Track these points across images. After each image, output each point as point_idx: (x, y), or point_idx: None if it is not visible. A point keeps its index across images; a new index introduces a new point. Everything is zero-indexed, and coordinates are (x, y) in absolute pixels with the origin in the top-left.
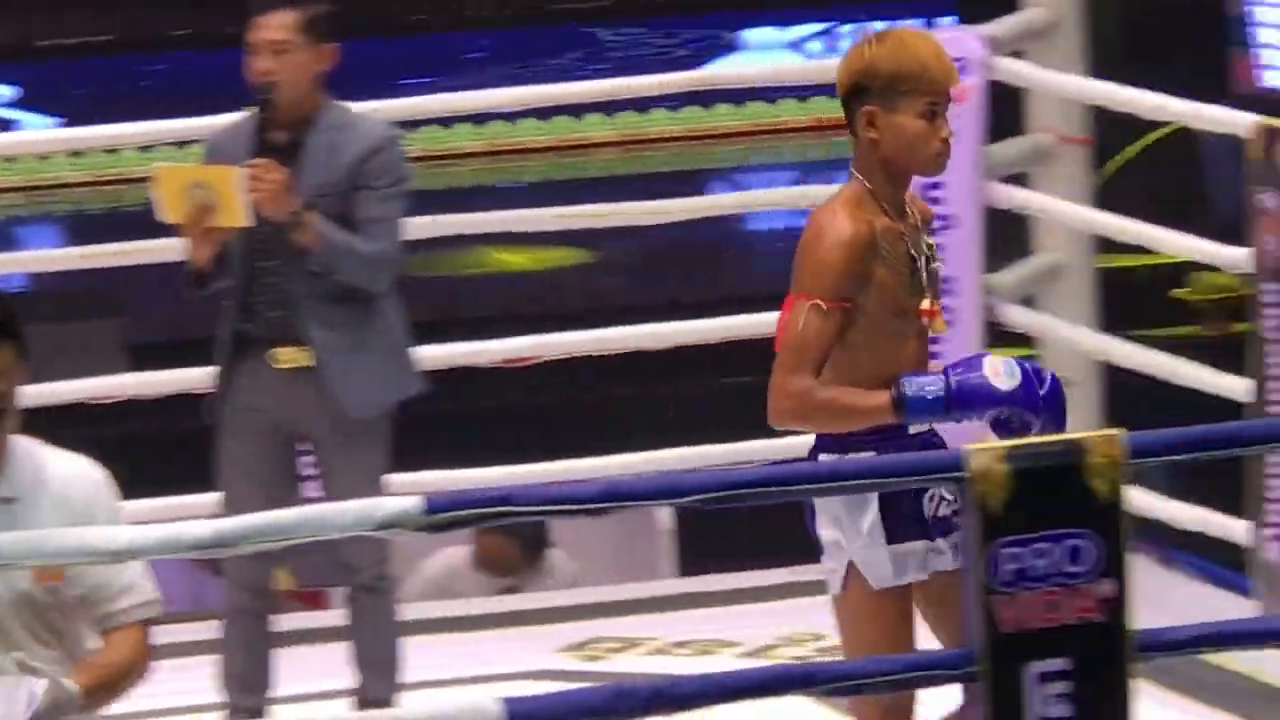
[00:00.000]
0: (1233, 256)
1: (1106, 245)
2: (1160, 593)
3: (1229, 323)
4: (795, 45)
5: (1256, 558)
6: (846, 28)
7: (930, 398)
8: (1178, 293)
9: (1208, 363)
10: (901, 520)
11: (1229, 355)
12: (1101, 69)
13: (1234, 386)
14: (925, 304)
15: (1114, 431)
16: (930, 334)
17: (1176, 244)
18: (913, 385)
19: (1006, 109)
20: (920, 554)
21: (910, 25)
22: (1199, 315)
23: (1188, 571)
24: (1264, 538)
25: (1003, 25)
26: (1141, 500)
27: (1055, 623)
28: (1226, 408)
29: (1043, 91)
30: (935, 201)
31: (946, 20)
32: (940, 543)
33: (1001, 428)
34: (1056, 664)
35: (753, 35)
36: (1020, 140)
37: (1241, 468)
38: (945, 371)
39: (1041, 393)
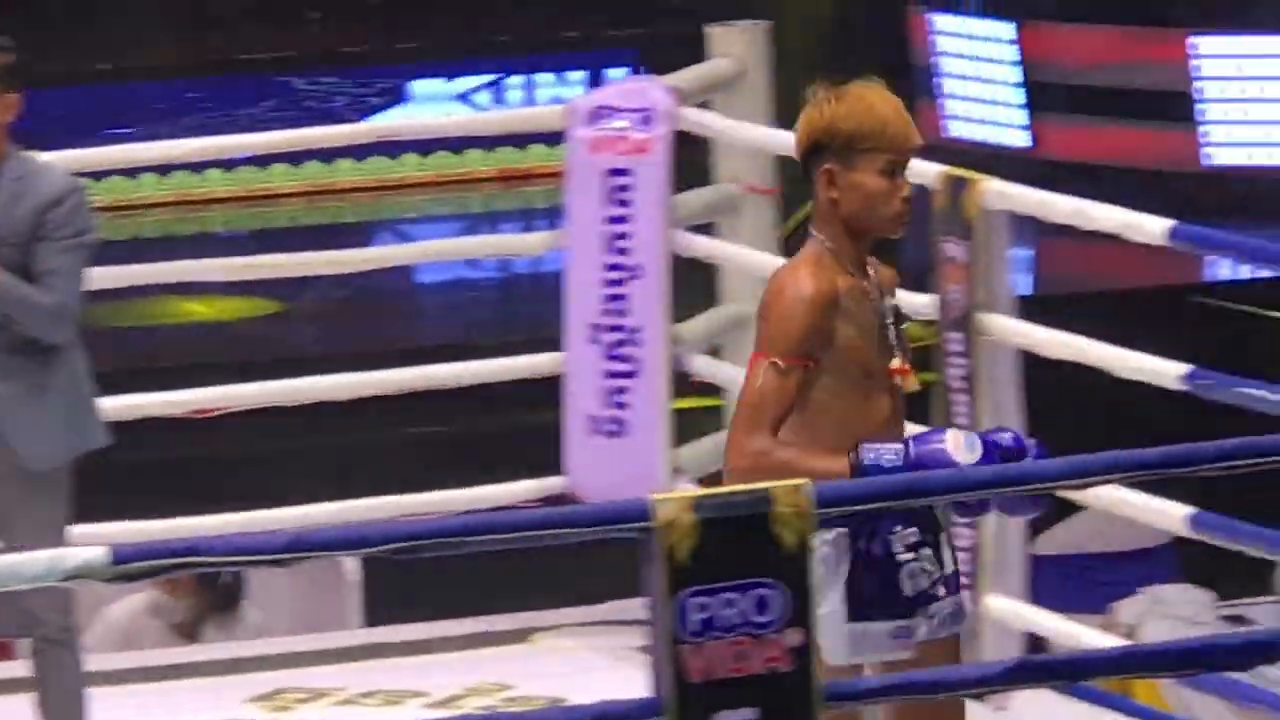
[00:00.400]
0: (918, 304)
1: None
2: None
3: (916, 371)
4: (463, 97)
5: None
6: (515, 79)
7: (887, 466)
8: None
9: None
10: (866, 599)
11: (915, 404)
12: (789, 119)
13: None
14: (895, 363)
15: (800, 481)
16: (903, 393)
17: None
18: (871, 453)
19: (693, 159)
20: (886, 634)
21: (582, 75)
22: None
23: None
24: None
25: (688, 75)
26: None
27: (743, 672)
28: None
29: (729, 142)
30: (623, 251)
31: (622, 71)
32: (919, 617)
33: (959, 505)
34: (744, 714)
35: (420, 87)
36: (707, 190)
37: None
38: (907, 442)
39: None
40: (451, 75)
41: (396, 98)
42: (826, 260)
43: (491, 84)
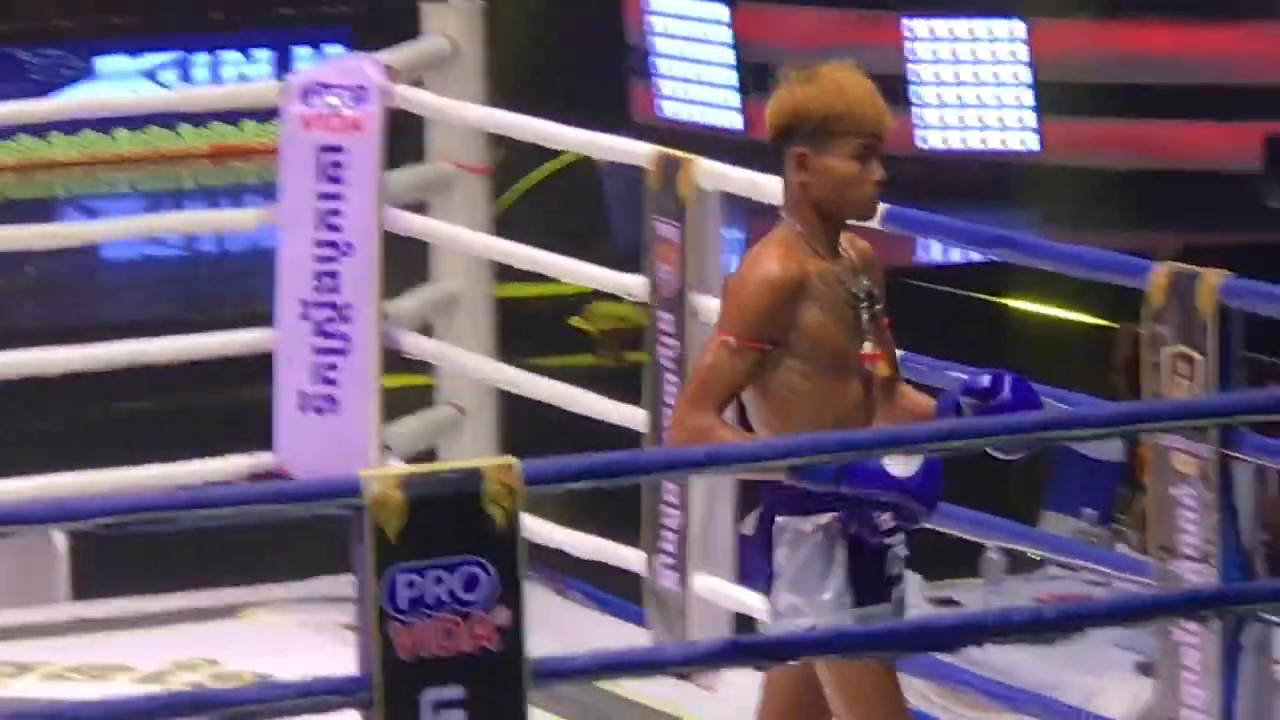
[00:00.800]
0: (630, 285)
1: (506, 273)
2: (556, 621)
3: (625, 352)
4: (149, 74)
5: (651, 587)
6: (200, 57)
7: (822, 468)
8: (576, 321)
9: (605, 392)
10: (867, 583)
11: (626, 384)
12: (503, 98)
13: (631, 415)
14: (867, 347)
15: (510, 459)
16: (876, 379)
17: (574, 272)
18: (853, 474)
19: (407, 137)
20: (886, 616)
21: (305, 52)
22: (597, 344)
23: (584, 601)
24: (658, 567)
25: (402, 53)
26: (539, 529)
27: (451, 650)
28: (624, 436)
29: (443, 120)
30: (335, 228)
31: (337, 48)
32: (892, 601)
33: (891, 510)
34: (452, 691)
35: (105, 64)
36: (420, 168)
37: (638, 497)
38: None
39: (938, 487)
40: (144, 50)
41: (85, 73)
42: (795, 243)
43: (176, 63)
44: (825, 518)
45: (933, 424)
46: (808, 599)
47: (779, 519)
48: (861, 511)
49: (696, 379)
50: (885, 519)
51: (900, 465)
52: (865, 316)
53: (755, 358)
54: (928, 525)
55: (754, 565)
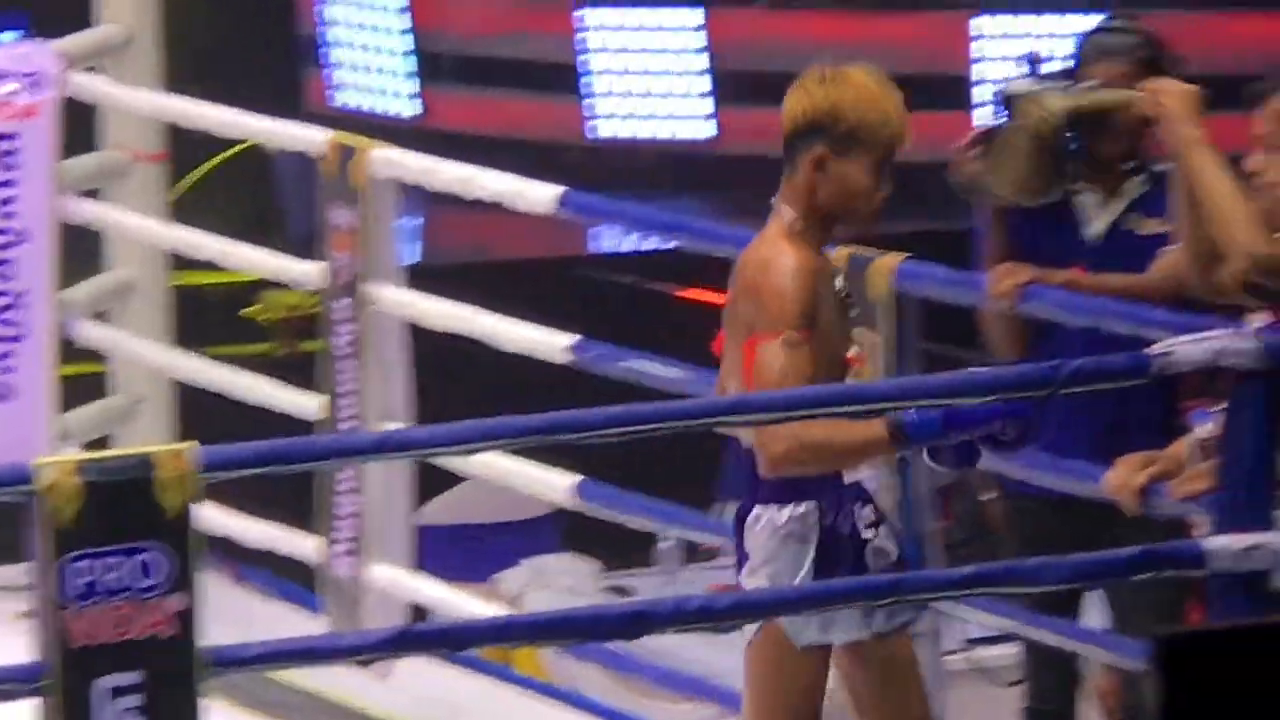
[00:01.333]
0: (305, 273)
1: (182, 262)
2: (232, 609)
3: (300, 340)
4: None
5: (326, 575)
6: None
7: (928, 420)
8: (250, 310)
9: (281, 380)
10: (837, 574)
11: (302, 372)
12: (180, 85)
13: (306, 404)
14: (852, 351)
15: (184, 446)
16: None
17: (249, 260)
18: (907, 412)
19: (81, 124)
20: (856, 613)
21: None
22: (272, 332)
23: (260, 588)
24: (333, 555)
25: (76, 40)
26: (214, 516)
27: (126, 637)
28: (300, 425)
29: (117, 107)
30: (8, 216)
31: (11, 35)
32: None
33: (994, 444)
34: (127, 678)
35: None
36: (95, 156)
37: (313, 485)
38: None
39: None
40: None
41: None
42: (798, 237)
43: None
44: (802, 507)
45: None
46: (774, 584)
47: (756, 507)
48: (841, 504)
49: (769, 377)
50: (866, 513)
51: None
52: (849, 317)
53: (811, 344)
54: (599, 517)
55: (737, 555)
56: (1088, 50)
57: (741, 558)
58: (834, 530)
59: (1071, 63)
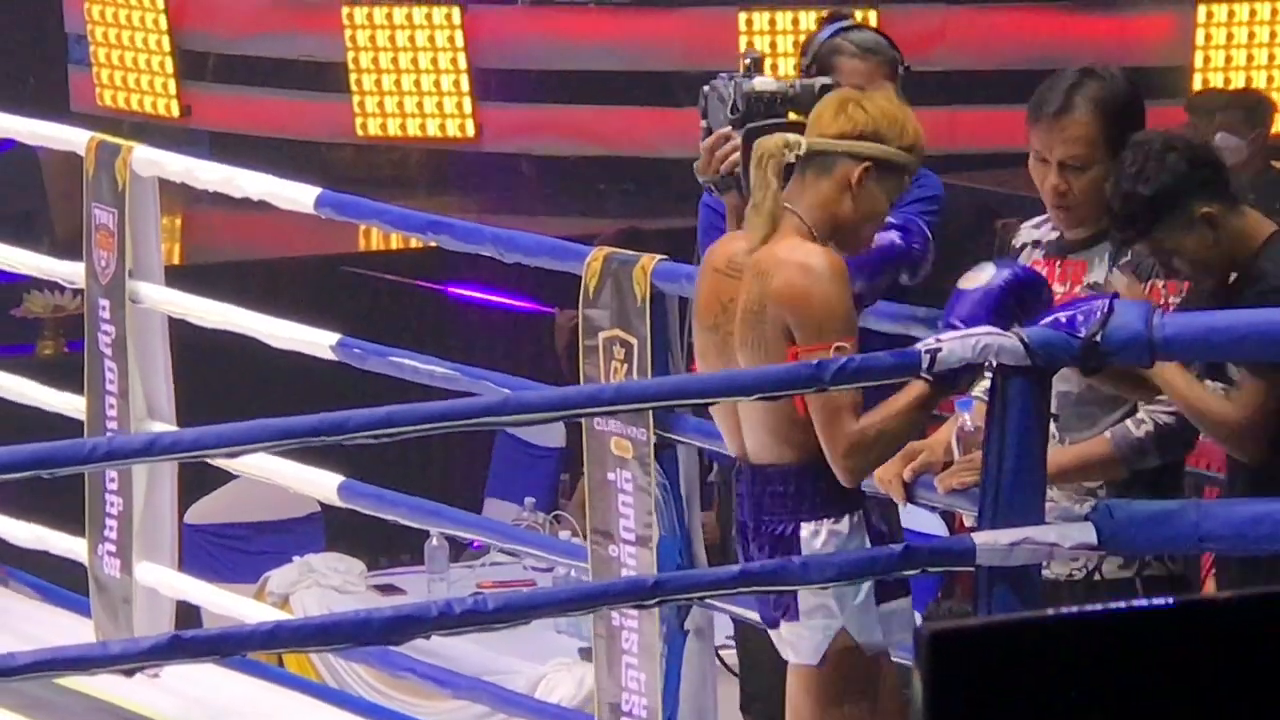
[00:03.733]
0: (70, 272)
1: None
2: (0, 614)
3: (65, 340)
4: None
5: (94, 576)
6: None
7: (953, 357)
8: (18, 310)
9: (47, 381)
10: (890, 577)
11: (65, 373)
12: None
13: (74, 404)
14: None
15: None
16: None
17: (14, 260)
18: (925, 359)
19: None
20: (909, 610)
21: None
22: (38, 333)
23: (28, 591)
24: (101, 556)
25: None
26: None
27: None
28: (69, 425)
29: None
30: None
31: None
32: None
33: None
34: None
35: None
36: None
37: (81, 485)
38: (942, 327)
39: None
40: None
41: None
42: (822, 244)
43: None
44: (856, 515)
45: None
46: (839, 599)
47: (805, 524)
48: (886, 508)
49: (829, 404)
50: (894, 509)
51: (981, 275)
52: None
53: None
54: (375, 513)
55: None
56: (849, 45)
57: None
58: (879, 532)
59: (804, 61)
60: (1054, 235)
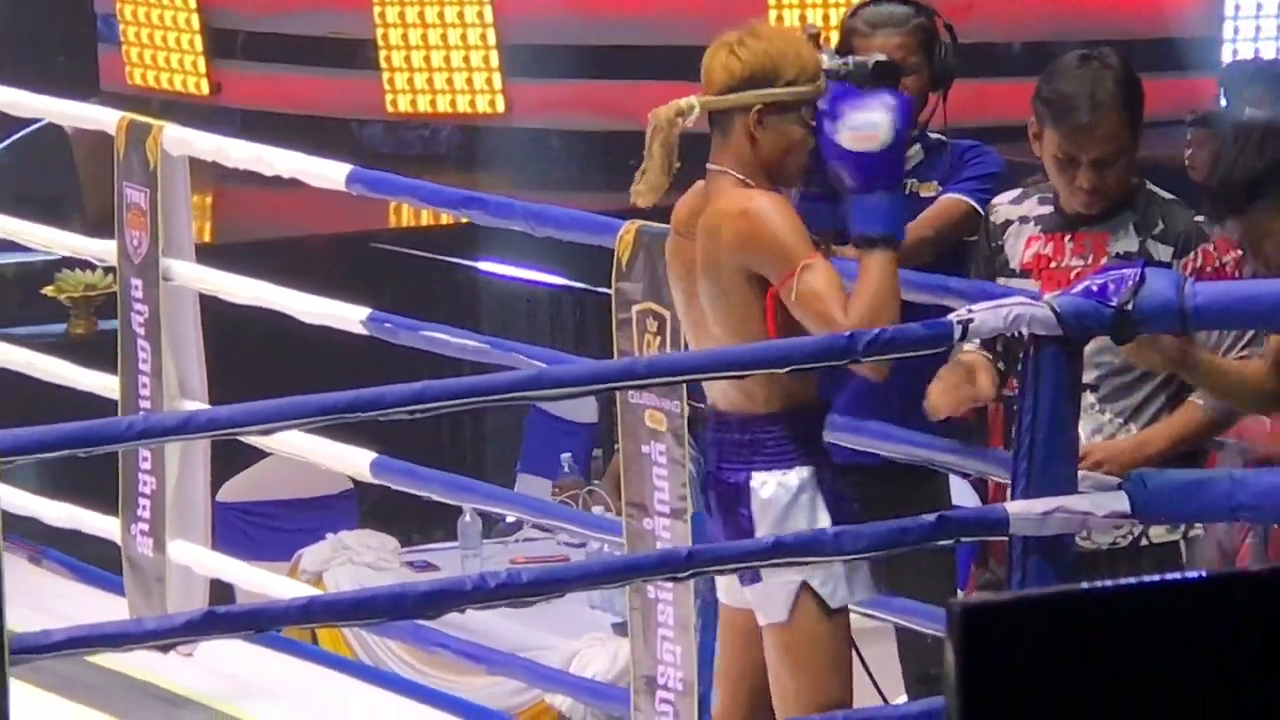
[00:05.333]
0: (101, 251)
1: None
2: (33, 591)
3: (97, 319)
4: None
5: (127, 555)
6: None
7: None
8: (48, 290)
9: (79, 360)
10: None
11: (101, 352)
12: None
13: (106, 384)
14: None
15: None
16: None
17: (45, 239)
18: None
19: None
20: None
21: None
22: (69, 312)
23: (61, 570)
24: (134, 535)
25: None
26: (12, 498)
27: None
28: (102, 405)
29: None
30: None
31: None
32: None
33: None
34: None
35: None
36: None
37: (114, 464)
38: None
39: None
40: None
41: None
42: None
43: None
44: (807, 470)
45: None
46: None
47: (756, 474)
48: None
49: (816, 311)
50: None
51: (873, 113)
52: None
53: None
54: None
55: (726, 524)
56: (860, 23)
57: (739, 525)
58: (834, 490)
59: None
60: (1046, 210)
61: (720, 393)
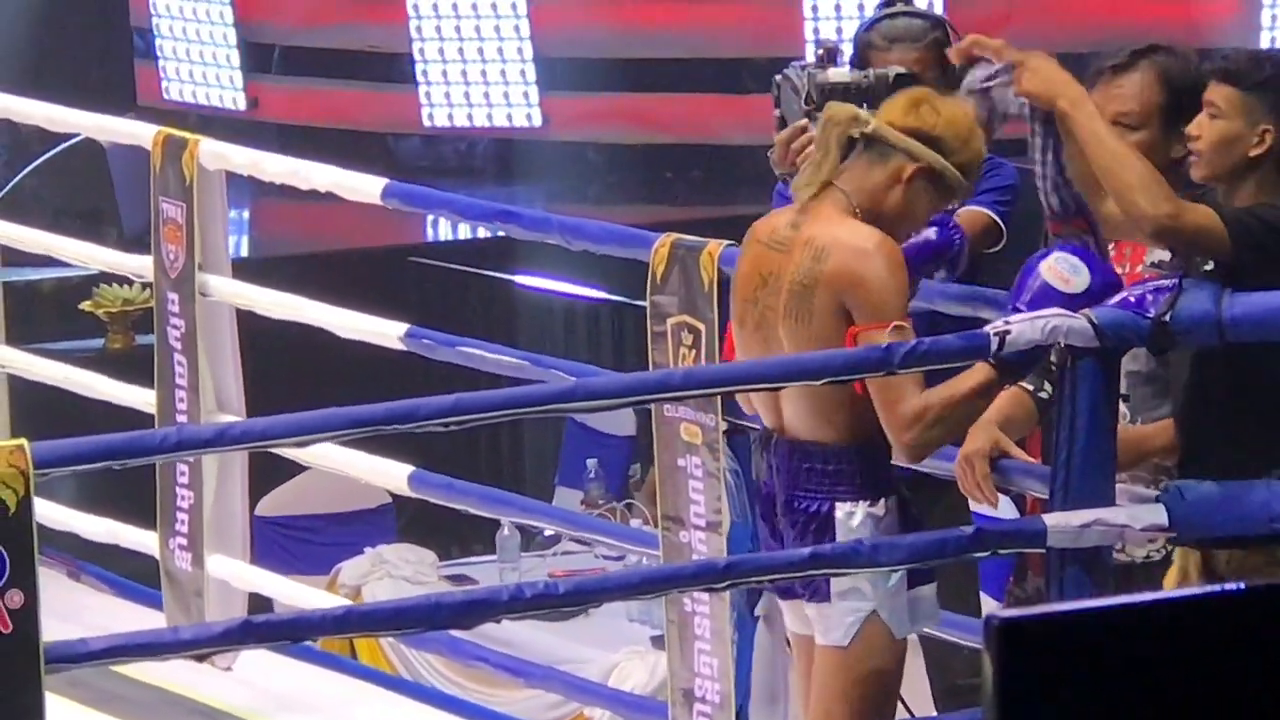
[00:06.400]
0: (138, 266)
1: (12, 256)
2: (70, 605)
3: (134, 334)
4: None
5: (165, 569)
6: None
7: (1022, 339)
8: (86, 305)
9: (117, 375)
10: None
11: (138, 367)
12: (9, 81)
13: (144, 398)
14: None
15: (20, 441)
16: None
17: (81, 254)
18: (994, 342)
19: None
20: (933, 599)
21: None
22: (107, 327)
23: (98, 584)
24: (171, 549)
25: None
26: (51, 512)
27: None
28: (139, 419)
29: None
30: None
31: None
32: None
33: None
34: None
35: None
36: None
37: (152, 479)
38: (1010, 309)
39: (1109, 272)
40: None
41: None
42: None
43: None
44: (892, 500)
45: None
46: (873, 582)
47: (841, 504)
48: (918, 493)
49: (892, 385)
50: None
51: (1071, 277)
52: None
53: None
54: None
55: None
56: (877, 38)
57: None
58: (916, 520)
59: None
60: None
61: (800, 420)
